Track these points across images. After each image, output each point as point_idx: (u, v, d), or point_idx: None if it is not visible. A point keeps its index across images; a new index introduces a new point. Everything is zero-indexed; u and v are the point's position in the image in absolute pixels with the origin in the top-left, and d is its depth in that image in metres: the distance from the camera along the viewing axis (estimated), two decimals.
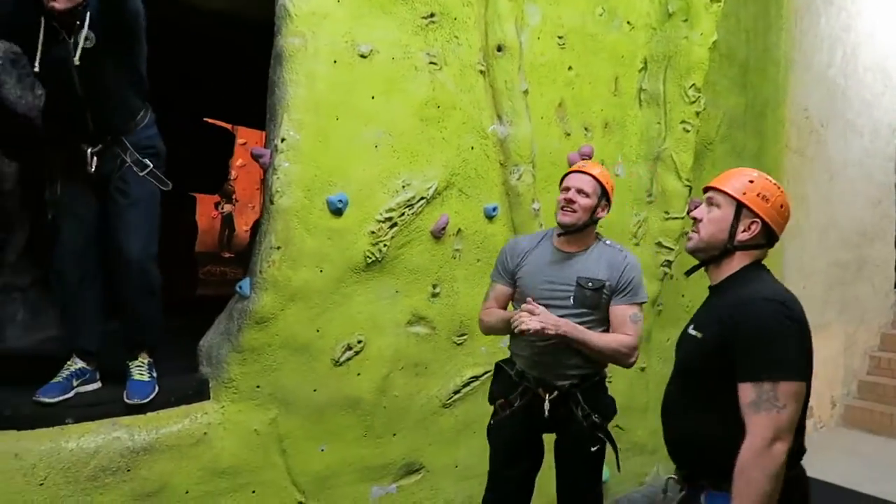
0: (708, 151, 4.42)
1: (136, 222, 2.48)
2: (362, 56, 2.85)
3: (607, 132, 3.84)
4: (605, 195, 2.46)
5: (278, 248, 2.66)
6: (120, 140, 2.48)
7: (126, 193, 2.48)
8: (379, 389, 3.00)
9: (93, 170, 2.45)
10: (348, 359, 2.89)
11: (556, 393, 2.41)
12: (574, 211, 2.40)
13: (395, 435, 3.07)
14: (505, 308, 2.59)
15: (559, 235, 2.48)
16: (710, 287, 1.83)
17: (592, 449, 2.44)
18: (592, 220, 2.45)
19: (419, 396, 3.15)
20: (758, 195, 1.74)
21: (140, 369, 2.58)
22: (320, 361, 2.83)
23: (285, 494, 2.76)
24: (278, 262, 2.66)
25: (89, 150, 2.44)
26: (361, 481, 2.97)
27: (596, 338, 2.35)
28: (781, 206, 1.76)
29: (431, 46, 3.06)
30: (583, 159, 3.69)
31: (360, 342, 2.91)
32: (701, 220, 1.79)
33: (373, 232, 2.89)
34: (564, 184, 2.47)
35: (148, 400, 2.49)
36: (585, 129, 3.74)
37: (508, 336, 2.56)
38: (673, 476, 1.83)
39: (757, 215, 1.74)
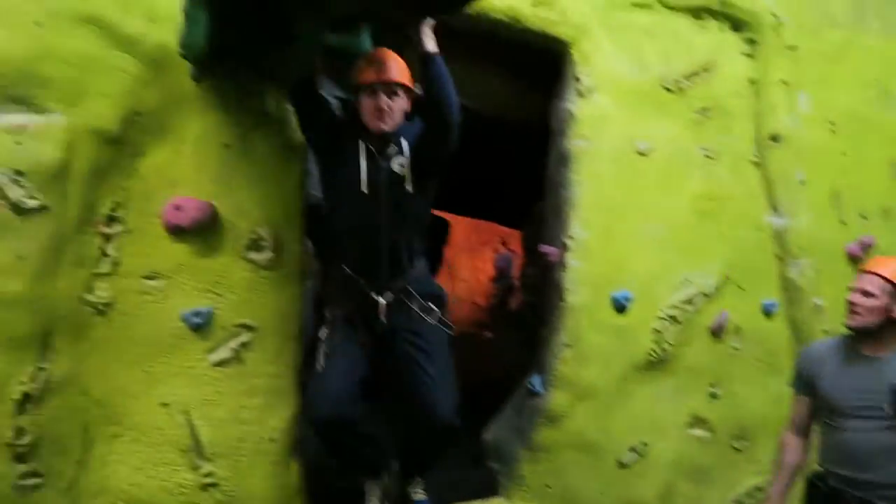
0: None
1: (439, 379, 2.12)
2: (641, 154, 2.88)
3: (887, 219, 3.52)
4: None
5: (569, 345, 2.67)
6: (406, 289, 2.17)
7: (421, 348, 2.14)
8: (661, 496, 2.83)
9: (384, 320, 2.14)
10: (633, 461, 2.78)
11: None
12: (857, 314, 2.22)
13: None
14: (809, 423, 2.36)
15: (855, 338, 2.27)
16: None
17: None
18: (889, 321, 2.21)
19: None
20: None
21: (416, 489, 2.32)
22: (606, 462, 2.74)
23: None
24: (569, 359, 2.66)
25: (385, 303, 2.13)
26: None
27: None
28: None
29: (705, 140, 3.03)
30: (863, 250, 3.40)
31: (645, 445, 2.80)
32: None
33: (656, 329, 2.82)
34: (852, 284, 2.31)
35: None
36: (862, 216, 3.45)
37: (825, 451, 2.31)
38: None
39: None
